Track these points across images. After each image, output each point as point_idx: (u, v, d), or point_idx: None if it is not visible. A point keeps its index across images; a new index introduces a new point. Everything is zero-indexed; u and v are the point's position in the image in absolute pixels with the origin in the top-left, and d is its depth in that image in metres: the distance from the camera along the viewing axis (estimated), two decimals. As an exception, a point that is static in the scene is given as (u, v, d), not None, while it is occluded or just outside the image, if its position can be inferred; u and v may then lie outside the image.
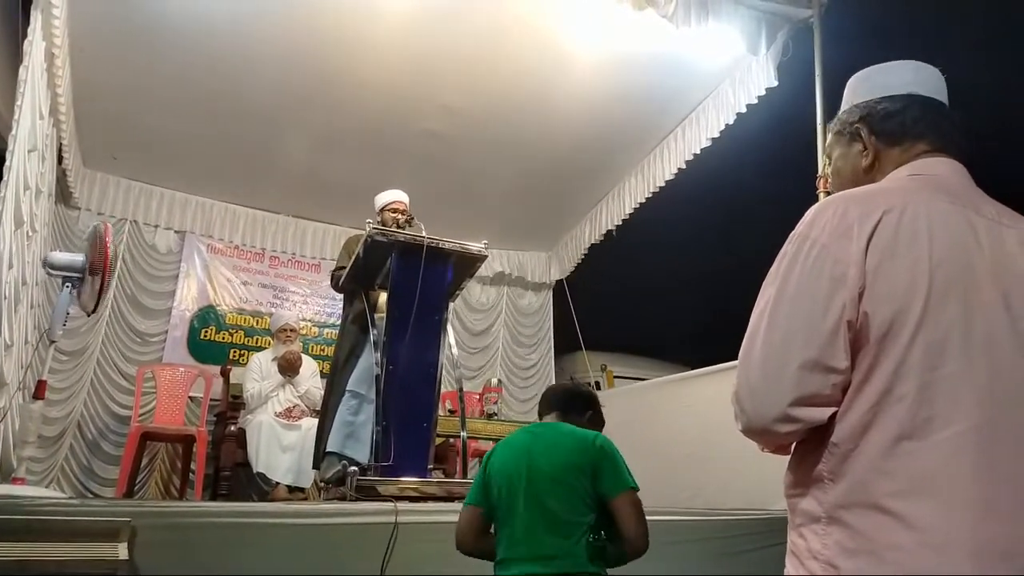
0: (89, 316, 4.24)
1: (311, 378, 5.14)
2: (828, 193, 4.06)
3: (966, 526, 0.92)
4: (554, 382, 6.43)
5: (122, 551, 1.95)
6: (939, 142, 1.19)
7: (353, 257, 3.90)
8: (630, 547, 1.83)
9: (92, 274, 3.53)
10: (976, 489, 0.93)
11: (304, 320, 6.61)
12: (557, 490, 1.85)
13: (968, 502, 0.93)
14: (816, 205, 1.12)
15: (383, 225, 4.05)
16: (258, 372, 5.04)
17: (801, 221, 1.11)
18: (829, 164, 1.37)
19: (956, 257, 1.03)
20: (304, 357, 5.24)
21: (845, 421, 1.01)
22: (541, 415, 2.16)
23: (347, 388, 3.87)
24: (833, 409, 1.03)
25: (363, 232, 3.70)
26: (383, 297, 3.89)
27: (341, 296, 4.37)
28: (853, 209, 1.06)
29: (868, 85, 1.27)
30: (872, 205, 1.06)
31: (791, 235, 1.11)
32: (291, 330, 5.34)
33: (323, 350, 6.56)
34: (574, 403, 2.16)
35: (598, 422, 2.18)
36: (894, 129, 1.21)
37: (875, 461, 0.97)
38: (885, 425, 0.98)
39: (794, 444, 1.11)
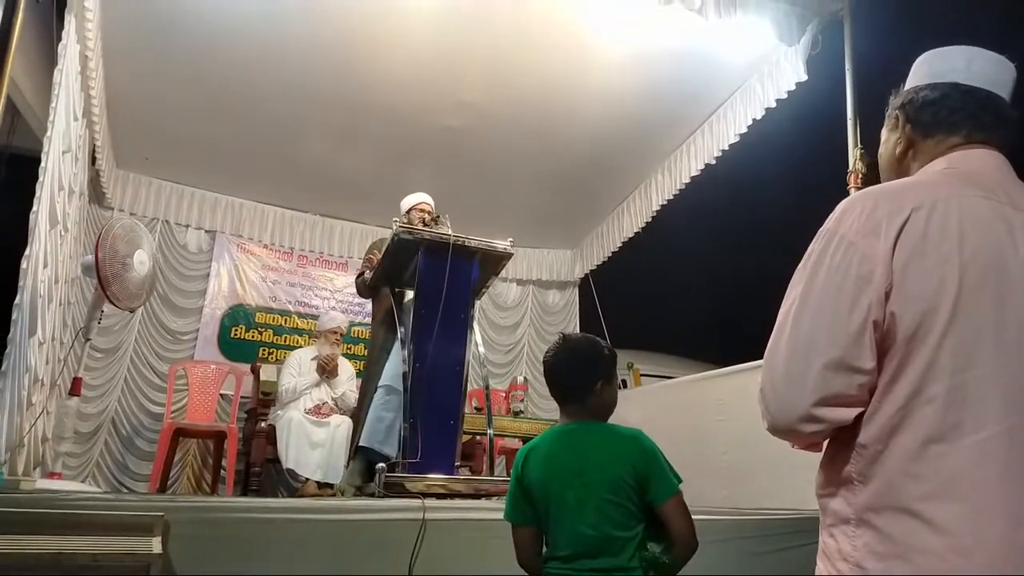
0: (132, 312, 4.29)
1: (348, 382, 5.18)
2: (859, 189, 4.02)
3: (996, 531, 0.91)
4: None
5: (156, 545, 1.98)
6: (977, 135, 1.15)
7: (380, 255, 3.93)
8: (683, 548, 1.77)
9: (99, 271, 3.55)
10: (1006, 494, 0.92)
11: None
12: (605, 508, 1.75)
13: (998, 507, 0.91)
14: (845, 201, 1.10)
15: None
16: (296, 368, 5.10)
17: (830, 217, 1.09)
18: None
19: (988, 255, 1.00)
20: (343, 360, 5.28)
21: (873, 423, 1.00)
22: (560, 401, 1.94)
23: (380, 384, 3.90)
24: (859, 410, 1.01)
25: (387, 234, 3.73)
26: (410, 295, 3.91)
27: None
28: (882, 206, 1.04)
29: (920, 70, 1.24)
30: (902, 202, 1.03)
31: (819, 231, 1.09)
32: (340, 333, 5.37)
33: (349, 348, 6.61)
34: (590, 383, 1.90)
35: (614, 377, 1.97)
36: (928, 120, 1.18)
37: (904, 464, 0.96)
38: (914, 428, 0.96)
39: (825, 442, 1.09)
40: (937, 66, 1.21)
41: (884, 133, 1.27)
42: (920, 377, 0.97)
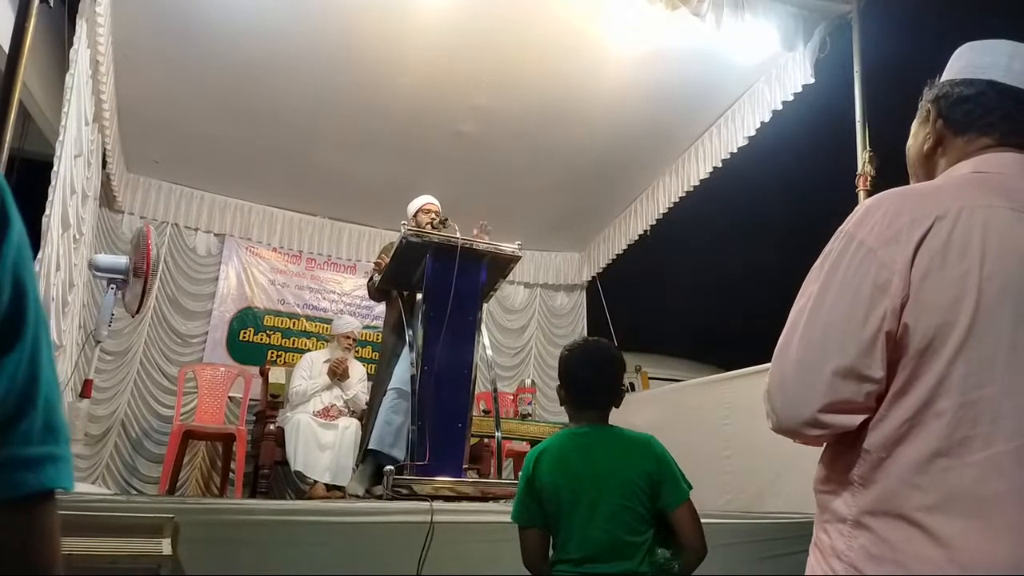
0: (133, 317, 4.33)
1: (358, 384, 5.20)
2: (868, 192, 4.01)
3: (1000, 550, 0.89)
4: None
5: (166, 547, 2.00)
6: (1011, 137, 1.10)
7: (389, 258, 3.95)
8: (692, 555, 1.77)
9: (136, 276, 3.63)
10: (1012, 513, 0.90)
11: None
12: (617, 513, 1.75)
13: (1003, 525, 0.89)
14: (867, 202, 1.07)
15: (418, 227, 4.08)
16: (307, 370, 5.14)
17: (850, 217, 1.06)
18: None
19: (1011, 270, 0.96)
20: (355, 363, 5.30)
21: (879, 430, 0.99)
22: (575, 407, 1.95)
23: (390, 387, 3.91)
24: (864, 416, 1.00)
25: (397, 237, 3.74)
26: (418, 298, 3.92)
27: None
28: (905, 212, 1.01)
29: (957, 62, 1.19)
30: (925, 209, 1.00)
31: (838, 231, 1.06)
32: (353, 338, 5.40)
33: (358, 351, 6.62)
34: (609, 390, 1.94)
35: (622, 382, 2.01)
36: (961, 117, 1.13)
37: (907, 474, 0.95)
38: (920, 440, 0.95)
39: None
40: (975, 60, 1.15)
41: (914, 126, 1.23)
42: (930, 391, 0.95)
